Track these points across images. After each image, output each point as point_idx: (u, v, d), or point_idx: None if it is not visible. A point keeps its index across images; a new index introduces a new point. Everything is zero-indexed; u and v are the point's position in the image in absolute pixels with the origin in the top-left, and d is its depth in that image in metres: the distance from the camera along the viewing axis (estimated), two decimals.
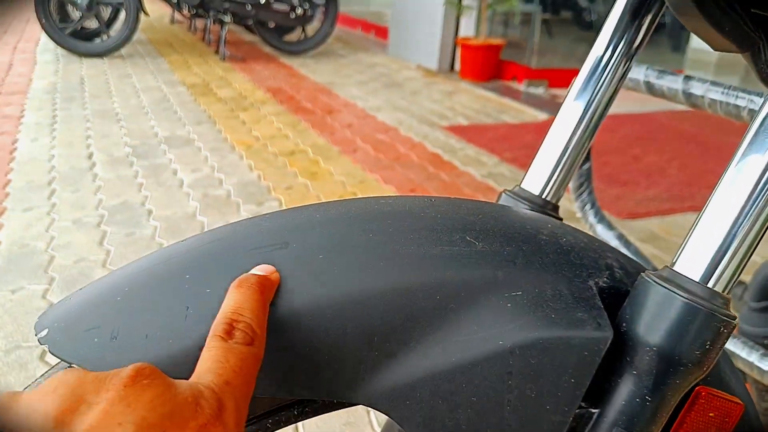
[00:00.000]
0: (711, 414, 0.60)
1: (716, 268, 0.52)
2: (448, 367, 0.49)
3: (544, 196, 0.76)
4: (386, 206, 0.60)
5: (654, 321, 0.52)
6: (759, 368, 1.01)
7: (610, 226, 1.18)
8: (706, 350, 0.53)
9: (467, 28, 7.44)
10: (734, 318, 0.53)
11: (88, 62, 6.72)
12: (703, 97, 0.98)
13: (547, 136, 0.77)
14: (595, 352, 0.50)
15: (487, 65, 6.98)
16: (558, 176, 0.76)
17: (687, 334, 0.52)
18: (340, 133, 4.88)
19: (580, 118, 0.76)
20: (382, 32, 9.73)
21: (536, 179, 0.77)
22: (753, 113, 0.91)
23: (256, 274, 0.50)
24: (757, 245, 0.54)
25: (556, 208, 0.76)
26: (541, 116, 5.71)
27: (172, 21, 10.16)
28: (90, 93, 5.55)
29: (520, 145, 4.80)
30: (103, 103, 5.26)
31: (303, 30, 7.89)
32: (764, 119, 0.54)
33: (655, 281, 0.53)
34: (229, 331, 0.45)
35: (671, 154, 4.82)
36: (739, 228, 0.53)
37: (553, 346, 0.50)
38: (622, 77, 0.76)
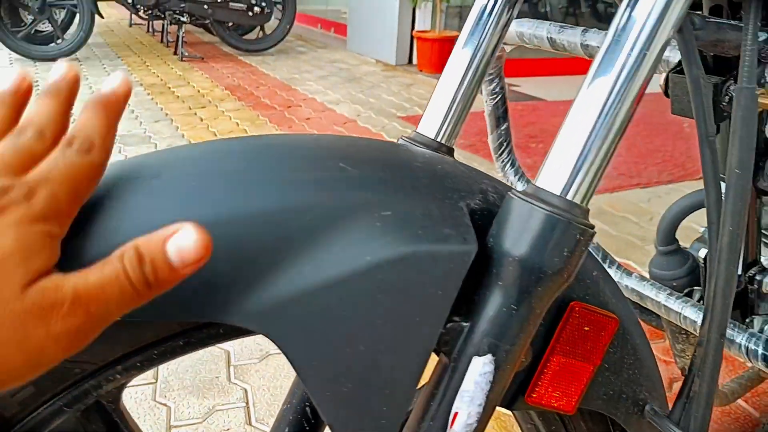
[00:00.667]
0: (586, 328, 0.64)
1: (573, 182, 0.56)
2: (320, 284, 0.49)
3: (438, 140, 0.79)
4: (270, 140, 0.61)
5: (518, 234, 0.54)
6: (666, 306, 1.05)
7: (529, 182, 1.21)
8: (567, 258, 0.55)
9: (423, 22, 7.48)
10: (592, 227, 0.56)
11: (42, 66, 6.60)
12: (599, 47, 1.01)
13: (438, 84, 0.80)
14: (460, 265, 0.51)
15: (443, 57, 7.02)
16: (450, 120, 0.79)
17: (548, 243, 0.54)
18: (298, 126, 4.88)
19: (468, 65, 0.79)
20: (341, 29, 9.73)
21: (430, 124, 0.79)
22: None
23: (101, 92, 0.52)
24: (609, 159, 0.59)
25: (450, 150, 0.79)
26: None
27: (131, 24, 10.03)
28: None
29: (476, 131, 4.85)
30: None
31: (261, 28, 7.84)
32: (608, 47, 0.59)
33: (519, 197, 0.55)
34: (70, 141, 0.47)
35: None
36: (591, 144, 0.58)
37: (419, 260, 0.50)
38: (505, 25, 0.79)
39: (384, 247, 0.51)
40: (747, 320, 1.10)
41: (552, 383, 0.64)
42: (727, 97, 0.82)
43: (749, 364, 1.03)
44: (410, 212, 0.53)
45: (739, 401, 1.75)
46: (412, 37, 7.48)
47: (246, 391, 1.80)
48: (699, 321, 1.05)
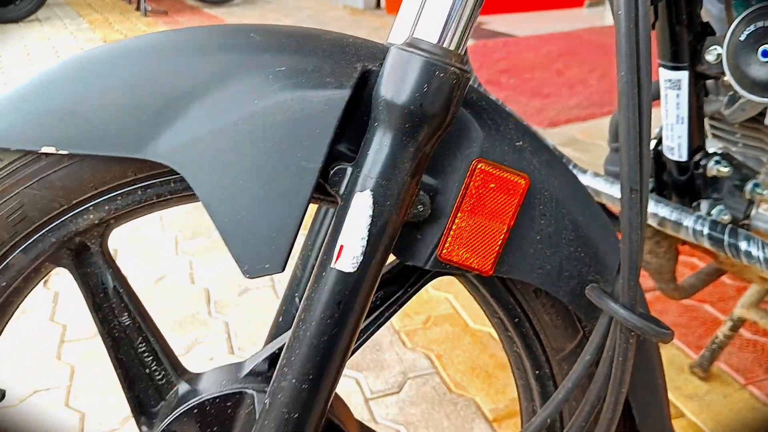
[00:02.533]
0: (491, 185, 0.61)
1: (448, 30, 0.57)
2: (219, 126, 0.57)
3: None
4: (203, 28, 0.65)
5: (398, 80, 0.56)
6: (618, 199, 1.05)
7: None
8: (442, 102, 0.56)
9: None
10: (468, 72, 0.57)
11: (2, 28, 6.39)
12: None
13: None
14: (335, 107, 0.57)
15: None
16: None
17: (425, 88, 0.55)
18: None
19: None
20: None
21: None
22: None
23: None
24: (479, 8, 0.58)
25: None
26: (469, 42, 5.66)
27: None
28: (6, 59, 5.29)
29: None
30: (22, 68, 5.02)
31: None
32: None
33: (399, 48, 0.57)
34: None
35: (592, 65, 4.84)
36: None
37: (299, 103, 0.57)
38: None
39: (270, 93, 0.57)
40: (694, 204, 1.09)
41: (462, 240, 0.61)
42: None
43: (698, 243, 1.01)
44: (301, 68, 0.59)
45: (706, 306, 1.77)
46: None
47: (227, 323, 1.83)
48: (654, 210, 1.04)
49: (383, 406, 1.48)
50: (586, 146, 3.30)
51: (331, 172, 0.58)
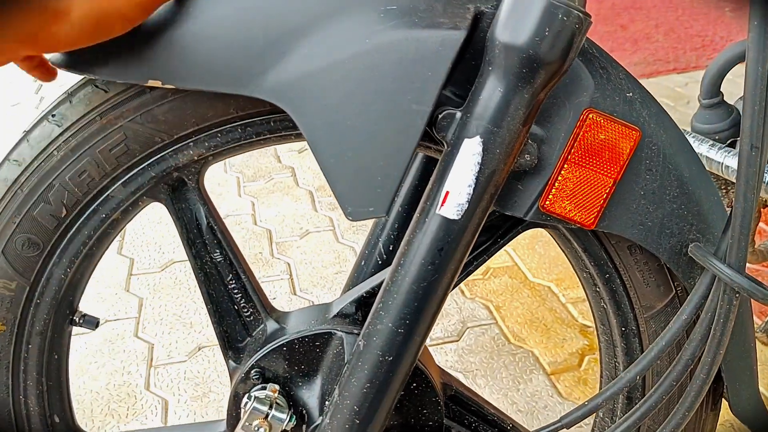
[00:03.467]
0: (602, 136, 0.59)
1: None
2: (328, 64, 0.56)
3: None
4: None
5: (517, 22, 0.53)
6: (708, 158, 1.03)
7: None
8: (564, 46, 0.53)
9: None
10: (589, 16, 0.54)
11: None
12: None
13: None
14: (449, 48, 0.55)
15: None
16: None
17: (545, 31, 0.52)
18: None
19: None
20: None
21: None
22: None
23: None
24: None
25: None
26: None
27: None
28: None
29: None
30: None
31: None
32: None
33: None
34: None
35: (658, 21, 4.64)
36: None
37: (412, 43, 0.55)
38: None
39: (382, 32, 0.55)
40: None
41: (566, 192, 0.60)
42: None
43: None
44: (413, 6, 0.56)
45: None
46: None
47: (289, 264, 1.85)
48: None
49: (442, 353, 1.49)
50: None
51: (439, 117, 0.56)
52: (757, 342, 1.45)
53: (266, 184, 2.27)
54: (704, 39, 4.27)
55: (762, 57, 0.52)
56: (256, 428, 0.67)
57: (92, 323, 0.76)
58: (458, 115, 0.56)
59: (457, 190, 0.55)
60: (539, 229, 0.71)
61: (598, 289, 0.72)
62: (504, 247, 0.77)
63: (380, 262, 0.86)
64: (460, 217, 0.56)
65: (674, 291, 0.69)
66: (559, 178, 0.59)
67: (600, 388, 0.83)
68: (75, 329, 0.76)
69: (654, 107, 0.62)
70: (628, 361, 0.74)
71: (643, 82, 3.56)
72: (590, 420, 0.78)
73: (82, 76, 0.62)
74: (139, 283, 1.78)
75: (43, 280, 0.69)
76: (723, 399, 0.74)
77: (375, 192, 0.57)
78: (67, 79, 0.60)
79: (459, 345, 1.51)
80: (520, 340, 1.53)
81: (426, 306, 0.59)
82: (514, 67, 0.53)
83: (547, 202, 0.60)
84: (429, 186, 0.58)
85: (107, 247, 0.71)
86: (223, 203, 2.17)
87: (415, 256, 0.57)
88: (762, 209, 1.14)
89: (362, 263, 0.87)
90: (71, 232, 0.67)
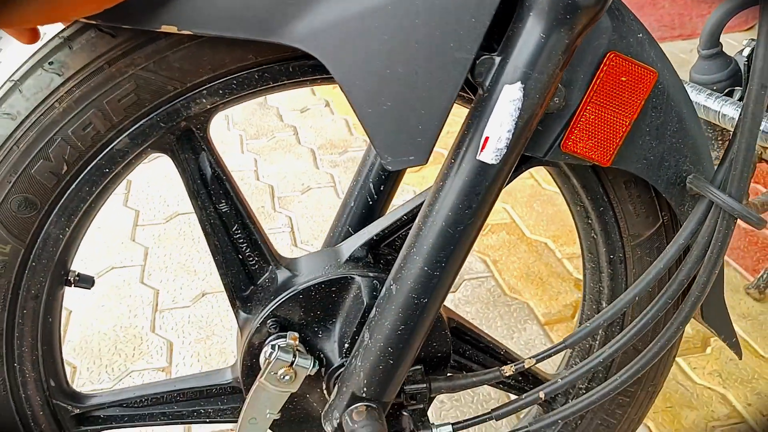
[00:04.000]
0: (623, 78, 0.61)
1: None
2: (366, 8, 0.54)
3: None
4: None
5: None
6: (705, 107, 1.07)
7: None
8: None
9: None
10: None
11: None
12: None
13: None
14: None
15: None
16: None
17: None
18: None
19: None
20: None
21: None
22: None
23: None
24: None
25: None
26: None
27: None
28: None
29: None
30: None
31: None
32: None
33: None
34: None
35: None
36: None
37: None
38: None
39: None
40: None
41: (587, 131, 0.62)
42: None
43: None
44: None
45: (766, 231, 1.72)
46: None
47: (290, 218, 1.84)
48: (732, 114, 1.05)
49: None
50: None
51: (476, 62, 0.56)
52: (747, 295, 1.55)
53: (268, 141, 2.22)
54: (711, 6, 4.33)
55: None
56: (282, 376, 0.67)
57: (88, 282, 0.72)
58: (497, 60, 0.56)
59: (497, 136, 0.56)
60: (537, 188, 0.73)
61: (590, 221, 0.77)
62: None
63: (370, 203, 0.86)
64: (498, 161, 0.57)
65: (661, 220, 0.75)
66: (581, 119, 0.61)
67: (581, 315, 0.89)
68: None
69: (658, 48, 0.65)
70: (612, 285, 0.80)
71: None
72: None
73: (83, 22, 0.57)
74: (145, 233, 1.77)
75: (39, 242, 0.64)
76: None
77: (415, 141, 0.57)
78: None
79: (456, 296, 1.55)
80: (516, 293, 1.58)
81: (460, 248, 0.60)
82: (556, 12, 0.53)
83: (569, 142, 0.62)
84: (462, 131, 0.58)
85: (105, 202, 0.67)
86: (226, 160, 2.06)
87: (452, 200, 0.58)
88: (758, 164, 1.22)
89: (351, 204, 0.87)
90: (71, 190, 0.63)
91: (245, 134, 2.28)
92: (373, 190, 0.85)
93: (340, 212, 0.88)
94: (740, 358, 0.88)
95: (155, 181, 1.98)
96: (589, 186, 0.73)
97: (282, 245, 1.75)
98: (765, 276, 1.54)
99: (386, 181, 0.86)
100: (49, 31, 0.56)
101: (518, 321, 1.50)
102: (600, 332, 0.84)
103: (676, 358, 1.35)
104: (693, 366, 1.36)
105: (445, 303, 0.70)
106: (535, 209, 1.83)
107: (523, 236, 1.77)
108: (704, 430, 1.22)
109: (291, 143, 2.22)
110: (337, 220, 0.89)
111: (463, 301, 1.54)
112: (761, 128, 0.99)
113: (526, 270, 1.65)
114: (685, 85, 1.11)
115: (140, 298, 1.54)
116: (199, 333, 1.44)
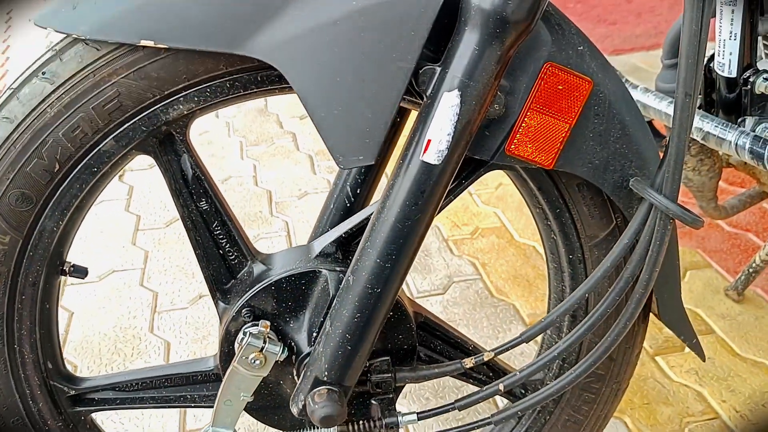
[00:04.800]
0: (560, 87, 0.66)
1: None
2: (317, 24, 0.61)
3: None
4: None
5: None
6: (666, 114, 1.11)
7: None
8: (532, 7, 0.60)
9: None
10: None
11: None
12: None
13: None
14: (429, 8, 0.60)
15: None
16: None
17: None
18: None
19: None
20: None
21: None
22: None
23: None
24: None
25: None
26: None
27: None
28: None
29: None
30: None
31: None
32: None
33: None
34: None
35: None
36: None
37: (397, 4, 0.60)
38: None
39: None
40: (740, 120, 1.11)
41: (529, 136, 0.67)
42: None
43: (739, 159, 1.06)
44: None
45: (750, 234, 1.79)
46: None
47: (287, 222, 1.90)
48: (699, 125, 1.08)
49: (428, 304, 1.56)
50: (649, 75, 3.19)
51: (419, 72, 0.62)
52: (726, 297, 1.57)
53: (268, 148, 2.30)
54: None
55: (696, 17, 0.60)
56: (253, 361, 0.73)
57: (82, 272, 0.79)
58: (437, 70, 0.62)
59: (438, 138, 0.62)
60: None
61: (549, 223, 0.81)
62: (469, 208, 0.84)
63: (348, 204, 0.92)
64: (440, 162, 0.62)
65: (614, 222, 0.79)
66: (523, 124, 0.66)
67: (548, 310, 0.93)
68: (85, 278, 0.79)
69: (600, 59, 0.70)
70: (573, 284, 0.84)
71: (645, 54, 3.58)
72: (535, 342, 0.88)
73: (67, 36, 0.64)
74: (145, 237, 1.84)
75: (36, 233, 0.71)
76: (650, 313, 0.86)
77: (363, 142, 0.62)
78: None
79: (444, 297, 1.59)
80: (503, 294, 1.61)
81: (409, 242, 0.66)
82: (488, 27, 0.59)
83: (512, 146, 0.67)
84: (410, 135, 0.64)
85: (96, 198, 0.74)
86: (226, 165, 2.20)
87: (400, 197, 0.64)
88: (723, 168, 1.24)
89: (331, 206, 0.93)
90: (63, 186, 0.69)
91: (245, 141, 2.34)
92: (350, 193, 0.91)
93: (321, 214, 0.94)
94: (703, 360, 0.91)
95: (156, 187, 2.05)
96: (544, 188, 0.77)
97: (278, 248, 1.78)
98: (743, 278, 1.56)
99: (362, 184, 0.91)
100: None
101: (504, 322, 1.53)
102: (565, 329, 0.89)
103: (656, 357, 1.39)
104: (671, 365, 1.38)
105: (432, 304, 0.75)
106: (525, 213, 1.87)
107: (512, 240, 1.81)
108: (679, 426, 1.25)
109: (290, 149, 2.27)
110: (318, 221, 0.94)
111: (452, 302, 1.58)
112: (714, 133, 1.03)
113: (514, 272, 1.68)
114: (649, 95, 1.14)
115: (140, 300, 1.60)
116: (196, 333, 1.50)
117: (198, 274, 1.64)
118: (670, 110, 1.10)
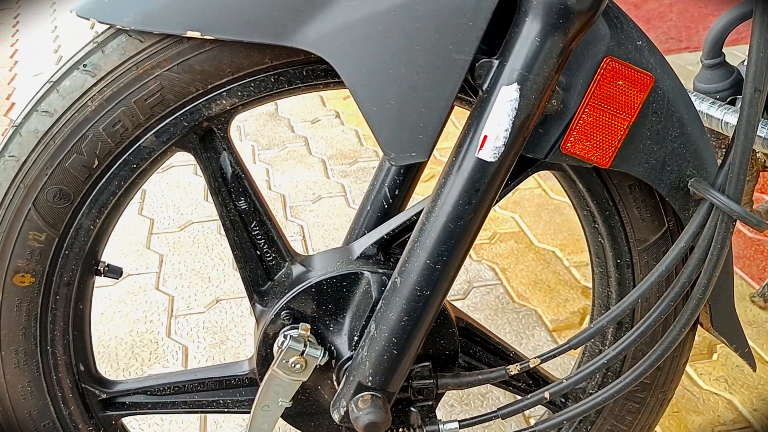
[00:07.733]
0: (620, 82, 0.62)
1: None
2: (370, 14, 0.57)
3: None
4: None
5: None
6: (708, 115, 1.07)
7: None
8: None
9: None
10: None
11: None
12: None
13: None
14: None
15: None
16: None
17: None
18: None
19: None
20: None
21: None
22: None
23: None
24: None
25: None
26: None
27: None
28: None
29: None
30: None
31: None
32: None
33: None
34: None
35: (673, 0, 4.68)
36: None
37: None
38: None
39: None
40: None
41: (586, 133, 0.63)
42: None
43: None
44: None
45: None
46: None
47: (302, 227, 1.88)
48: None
49: None
50: None
51: (476, 65, 0.58)
52: (752, 303, 1.53)
53: (280, 152, 2.26)
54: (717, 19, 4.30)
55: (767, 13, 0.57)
56: (293, 365, 0.69)
57: (116, 272, 0.76)
58: (495, 63, 0.58)
59: (494, 134, 0.58)
60: (545, 197, 0.74)
61: (596, 225, 0.77)
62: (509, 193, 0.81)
63: (386, 206, 0.88)
64: (496, 159, 0.59)
65: (666, 225, 0.75)
66: (580, 121, 0.62)
67: (591, 317, 0.89)
68: (99, 281, 0.75)
69: (658, 55, 0.66)
70: (621, 290, 0.80)
71: None
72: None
73: (110, 27, 0.61)
74: (160, 241, 1.81)
75: (72, 231, 0.68)
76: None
77: (417, 138, 0.59)
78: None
79: (465, 302, 1.55)
80: (524, 300, 1.57)
81: (461, 242, 0.62)
82: (551, 18, 0.56)
83: (569, 144, 0.63)
84: (464, 130, 0.60)
85: (133, 196, 0.71)
86: None
87: (453, 196, 0.60)
88: (761, 172, 1.21)
89: (368, 208, 0.89)
90: (101, 183, 0.66)
91: (257, 145, 2.31)
92: (388, 194, 0.87)
93: (357, 215, 0.90)
94: (754, 370, 0.87)
95: (170, 190, 2.02)
96: (594, 190, 0.73)
97: None
98: None
99: (401, 186, 0.87)
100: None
101: (526, 327, 1.49)
102: (610, 336, 0.84)
103: None
104: (699, 372, 1.34)
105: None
106: (543, 218, 1.83)
107: (531, 245, 1.77)
108: None
109: (302, 153, 2.24)
110: (354, 223, 0.91)
111: (472, 308, 1.54)
112: (762, 135, 0.99)
113: (534, 278, 1.64)
114: (690, 94, 1.11)
115: (156, 304, 1.57)
116: (214, 338, 1.46)
117: (215, 279, 1.64)
118: (712, 111, 1.07)
